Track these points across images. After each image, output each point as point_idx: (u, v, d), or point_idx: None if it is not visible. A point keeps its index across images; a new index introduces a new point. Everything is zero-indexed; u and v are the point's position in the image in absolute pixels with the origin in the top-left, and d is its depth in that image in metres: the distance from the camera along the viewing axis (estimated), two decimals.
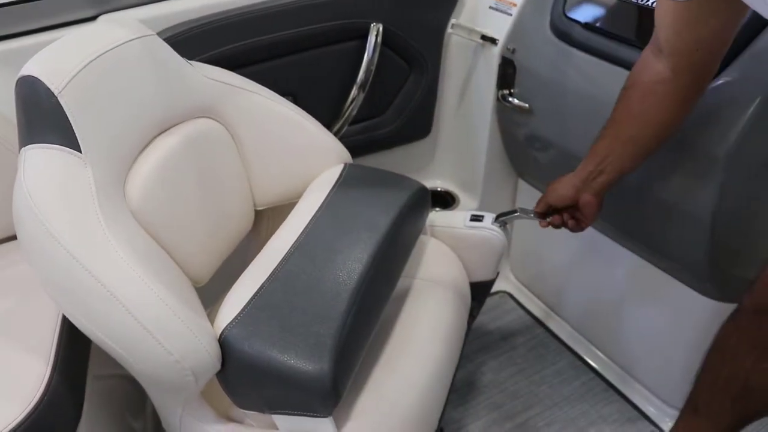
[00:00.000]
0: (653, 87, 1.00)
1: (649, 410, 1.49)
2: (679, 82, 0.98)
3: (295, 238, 1.04)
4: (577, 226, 1.21)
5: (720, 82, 1.06)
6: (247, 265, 1.23)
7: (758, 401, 1.13)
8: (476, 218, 1.32)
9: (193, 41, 1.28)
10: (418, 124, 1.68)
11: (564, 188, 1.18)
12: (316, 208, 1.11)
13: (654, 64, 0.99)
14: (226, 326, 0.90)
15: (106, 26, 1.08)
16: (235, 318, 0.91)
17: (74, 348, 0.99)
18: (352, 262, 1.00)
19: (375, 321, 1.02)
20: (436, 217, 1.35)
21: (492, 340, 1.70)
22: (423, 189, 1.22)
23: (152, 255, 0.93)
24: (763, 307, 1.03)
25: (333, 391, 0.86)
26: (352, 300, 0.94)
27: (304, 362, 0.86)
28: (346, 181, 1.19)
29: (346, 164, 1.24)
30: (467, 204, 1.74)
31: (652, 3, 1.23)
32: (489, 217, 1.32)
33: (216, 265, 1.13)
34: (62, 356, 0.94)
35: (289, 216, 1.13)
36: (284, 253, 1.01)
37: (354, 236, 1.05)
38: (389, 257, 1.07)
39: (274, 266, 0.99)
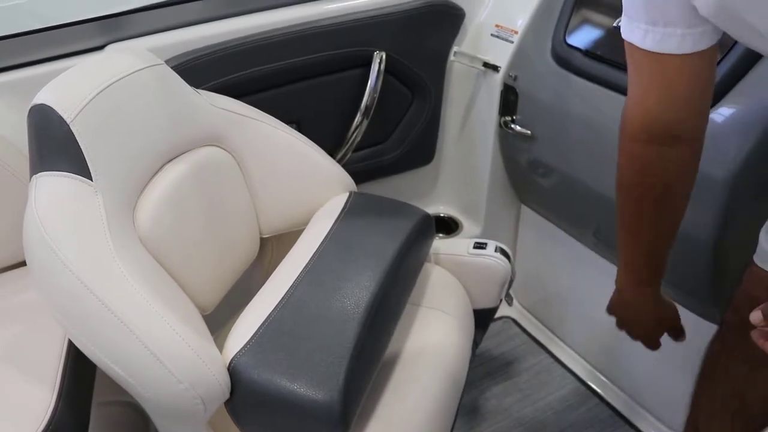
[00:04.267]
0: (682, 183, 0.87)
1: None
2: (699, 153, 0.87)
3: (303, 267, 1.05)
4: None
5: (722, 107, 1.08)
6: (252, 292, 1.23)
7: (757, 415, 1.13)
8: (480, 246, 1.33)
9: (199, 70, 1.29)
10: (421, 150, 1.69)
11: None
12: (323, 237, 1.12)
13: (687, 156, 0.84)
14: (236, 354, 0.90)
15: (116, 55, 1.09)
16: (245, 346, 0.91)
17: (80, 375, 0.98)
18: (360, 291, 1.00)
19: (383, 349, 1.02)
20: (440, 244, 1.35)
21: (496, 366, 1.69)
22: (427, 217, 1.23)
23: (161, 282, 0.94)
24: (746, 321, 1.03)
25: (342, 420, 0.86)
26: (361, 328, 0.94)
27: (314, 391, 0.86)
28: (351, 210, 1.19)
29: (351, 193, 1.25)
30: (470, 229, 1.75)
31: None
32: (492, 245, 1.32)
33: (223, 292, 1.13)
34: (67, 384, 0.94)
35: (296, 244, 1.14)
36: (292, 282, 1.01)
37: (361, 265, 1.06)
38: (396, 285, 1.08)
39: (283, 294, 0.99)
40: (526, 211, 1.72)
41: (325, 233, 1.13)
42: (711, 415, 1.14)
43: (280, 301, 0.98)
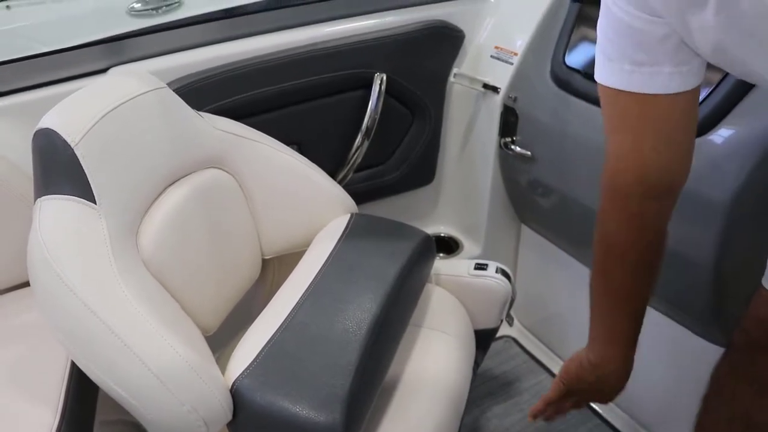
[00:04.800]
0: (664, 237, 0.83)
1: None
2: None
3: (305, 289, 1.05)
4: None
5: (721, 128, 1.09)
6: (254, 313, 1.23)
7: None
8: (480, 267, 1.33)
9: (201, 92, 1.30)
10: (421, 171, 1.70)
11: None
12: (324, 259, 1.12)
13: (669, 210, 0.81)
14: (238, 376, 0.90)
15: (119, 79, 1.10)
16: (247, 368, 0.91)
17: (82, 395, 0.98)
18: (362, 312, 1.00)
19: (384, 371, 1.02)
20: (441, 265, 1.36)
21: (497, 386, 1.69)
22: (428, 238, 1.23)
23: (165, 305, 0.94)
24: (755, 343, 1.03)
25: None
26: (363, 350, 0.94)
27: (317, 413, 0.86)
28: (353, 232, 1.20)
29: (352, 214, 1.26)
30: (471, 249, 1.75)
31: None
32: (493, 266, 1.33)
33: (225, 313, 1.13)
34: (70, 405, 0.94)
35: (298, 266, 1.14)
36: (294, 304, 1.02)
37: (362, 287, 1.06)
38: (397, 307, 1.08)
39: (285, 316, 0.99)
40: (526, 231, 1.72)
41: (327, 255, 1.13)
42: None
43: (282, 323, 0.98)
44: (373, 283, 1.07)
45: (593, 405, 1.61)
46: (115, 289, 0.87)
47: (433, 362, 1.17)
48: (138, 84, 1.06)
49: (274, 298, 1.07)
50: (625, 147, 0.74)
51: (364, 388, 0.93)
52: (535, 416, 1.07)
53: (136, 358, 0.83)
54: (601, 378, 0.97)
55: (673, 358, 1.41)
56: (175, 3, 1.65)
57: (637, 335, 0.91)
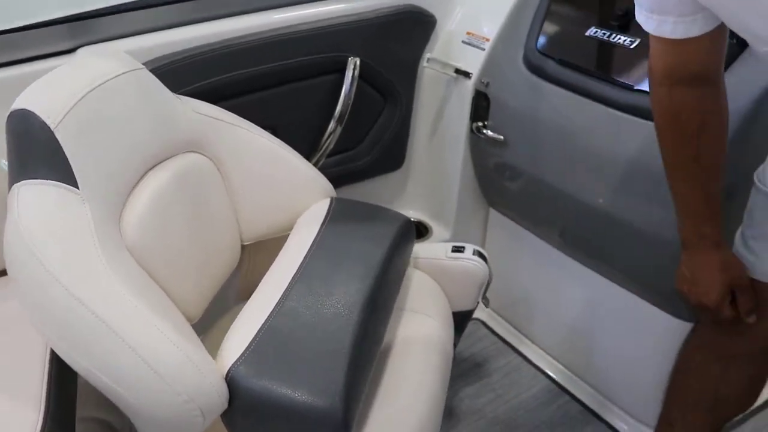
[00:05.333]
0: (722, 108, 0.96)
1: (625, 430, 1.53)
2: (725, 93, 0.97)
3: (293, 274, 1.04)
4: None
5: None
6: (229, 300, 1.20)
7: (729, 409, 1.18)
8: (458, 249, 1.34)
9: (175, 74, 1.27)
10: (391, 155, 1.70)
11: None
12: (309, 244, 1.11)
13: (707, 91, 0.93)
14: (233, 364, 0.89)
15: (96, 58, 1.06)
16: (242, 355, 0.89)
17: (64, 391, 0.95)
18: (351, 297, 1.00)
19: (376, 354, 1.03)
20: (419, 248, 1.37)
21: (468, 368, 1.71)
22: (408, 222, 1.24)
23: (153, 293, 0.91)
24: (723, 322, 1.08)
25: (344, 425, 0.86)
26: (355, 334, 0.94)
27: (314, 398, 0.86)
28: (334, 217, 1.19)
29: (332, 199, 1.25)
30: (440, 234, 1.76)
31: (615, 39, 1.30)
32: (470, 248, 1.34)
33: (207, 301, 1.11)
34: (53, 402, 0.91)
35: (283, 251, 1.13)
36: (283, 289, 1.01)
37: (350, 270, 1.06)
38: (384, 290, 1.08)
39: (275, 302, 0.98)
40: (494, 214, 1.75)
41: (312, 240, 1.12)
42: (685, 410, 1.19)
43: (273, 309, 0.97)
44: (360, 267, 1.07)
45: (562, 383, 1.66)
46: (103, 277, 0.84)
47: (419, 343, 1.17)
48: (115, 64, 1.02)
49: (261, 284, 1.05)
50: (656, 53, 0.92)
51: (359, 370, 0.93)
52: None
53: (128, 348, 0.81)
54: (693, 263, 1.04)
55: (640, 333, 1.46)
56: None
57: (711, 217, 1.00)
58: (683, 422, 1.20)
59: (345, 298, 1.00)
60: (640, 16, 0.89)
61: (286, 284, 1.02)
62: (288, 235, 1.20)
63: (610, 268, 1.43)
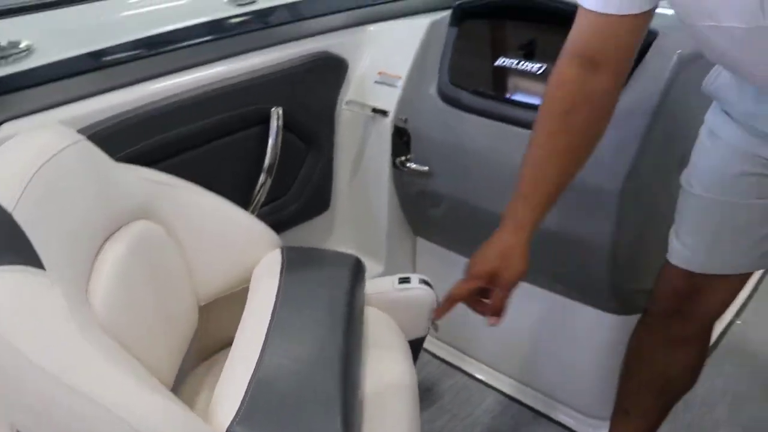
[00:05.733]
0: (601, 101, 1.00)
1: (579, 427, 1.62)
2: (618, 90, 1.01)
3: (266, 328, 1.04)
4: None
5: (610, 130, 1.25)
6: (191, 360, 1.18)
7: (677, 389, 1.30)
8: (404, 280, 1.39)
9: (105, 142, 1.22)
10: (319, 198, 1.73)
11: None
12: (274, 296, 1.12)
13: (593, 78, 0.97)
14: (230, 424, 0.88)
15: (35, 134, 1.03)
16: (237, 414, 0.89)
17: None
18: (328, 343, 1.03)
19: (359, 395, 1.05)
20: (367, 285, 1.40)
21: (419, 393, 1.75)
22: (359, 261, 1.28)
23: (136, 367, 0.89)
24: (668, 310, 1.21)
25: None
26: (341, 378, 0.97)
27: None
28: (290, 266, 1.21)
29: (283, 248, 1.27)
30: (373, 269, 1.80)
31: (523, 67, 1.42)
32: (415, 278, 1.40)
33: (177, 366, 1.09)
34: None
35: (249, 306, 1.13)
36: (261, 343, 1.01)
37: (319, 318, 1.09)
38: (353, 332, 1.11)
39: (257, 357, 0.98)
40: (421, 242, 1.82)
41: (275, 292, 1.13)
42: (638, 396, 1.29)
43: (257, 364, 0.96)
44: (327, 313, 1.10)
45: (511, 393, 1.73)
46: (91, 360, 0.81)
47: (387, 379, 1.20)
48: (56, 138, 1.00)
49: (236, 339, 1.05)
50: (570, 35, 0.97)
51: (350, 414, 0.95)
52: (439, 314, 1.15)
53: (130, 428, 0.78)
54: (494, 243, 1.06)
55: (575, 333, 1.57)
56: (23, 51, 1.52)
57: (542, 210, 1.04)
58: (637, 408, 1.30)
59: (322, 346, 1.02)
60: None
61: (263, 338, 1.02)
62: (243, 290, 1.20)
63: (539, 275, 1.53)
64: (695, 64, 1.23)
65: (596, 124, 1.01)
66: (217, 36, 1.50)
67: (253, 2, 1.62)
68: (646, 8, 0.93)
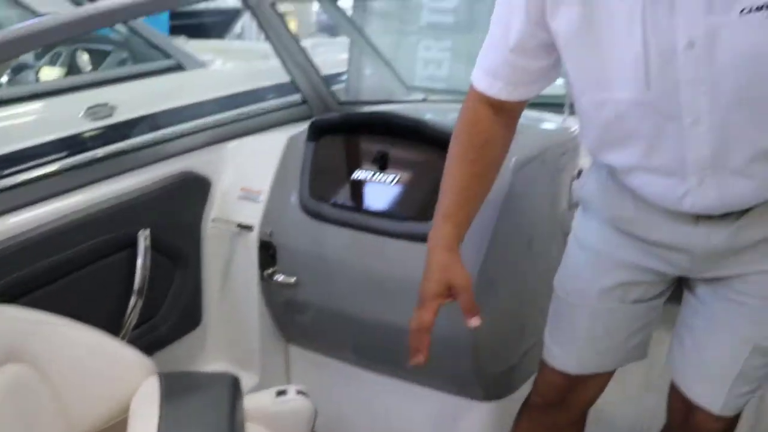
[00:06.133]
0: (505, 137, 1.13)
1: None
2: (514, 127, 1.15)
3: None
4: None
5: None
6: None
7: None
8: (281, 393, 1.42)
9: None
10: (189, 315, 1.73)
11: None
12: (156, 426, 1.11)
13: (499, 119, 1.11)
14: None
15: None
16: None
17: None
18: None
19: None
20: (246, 400, 1.41)
21: None
22: (236, 380, 1.30)
23: None
24: (549, 401, 1.32)
25: None
26: None
27: None
28: (170, 392, 1.20)
29: (159, 375, 1.26)
30: (249, 381, 1.80)
31: (377, 179, 1.55)
32: (292, 389, 1.43)
33: None
34: None
35: None
36: None
37: None
38: None
39: None
40: (294, 350, 1.85)
41: (156, 423, 1.12)
42: None
43: None
44: None
45: None
46: None
47: None
48: None
49: None
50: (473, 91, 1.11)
51: None
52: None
53: None
54: (429, 266, 1.11)
55: (444, 424, 1.66)
56: None
57: (463, 223, 1.12)
58: None
59: None
60: (476, 75, 1.09)
61: None
62: (122, 421, 1.17)
63: (411, 373, 1.62)
64: (528, 165, 1.46)
65: (502, 154, 1.15)
66: (77, 163, 1.51)
67: (110, 116, 1.65)
68: (529, 96, 1.10)
